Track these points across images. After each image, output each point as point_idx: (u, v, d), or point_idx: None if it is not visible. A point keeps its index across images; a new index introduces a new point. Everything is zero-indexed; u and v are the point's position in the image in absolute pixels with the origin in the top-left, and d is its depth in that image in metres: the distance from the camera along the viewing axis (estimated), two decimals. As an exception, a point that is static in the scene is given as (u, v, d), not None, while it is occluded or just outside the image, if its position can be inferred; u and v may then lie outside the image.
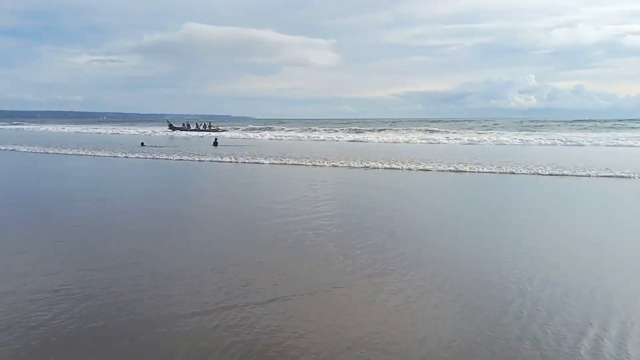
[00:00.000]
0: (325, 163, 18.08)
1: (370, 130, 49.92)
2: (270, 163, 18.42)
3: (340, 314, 4.49)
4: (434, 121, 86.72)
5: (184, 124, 57.19)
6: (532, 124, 59.82)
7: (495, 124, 61.06)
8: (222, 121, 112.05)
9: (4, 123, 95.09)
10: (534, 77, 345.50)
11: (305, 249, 6.58)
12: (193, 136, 45.20)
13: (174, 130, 54.94)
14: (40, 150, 24.40)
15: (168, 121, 62.49)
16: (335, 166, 17.38)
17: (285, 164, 18.16)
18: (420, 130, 47.81)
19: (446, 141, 34.18)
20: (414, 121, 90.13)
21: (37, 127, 71.83)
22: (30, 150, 24.75)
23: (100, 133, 53.90)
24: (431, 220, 8.77)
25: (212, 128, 54.16)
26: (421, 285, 5.18)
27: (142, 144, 28.84)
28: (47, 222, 8.36)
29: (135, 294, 4.90)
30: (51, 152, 23.87)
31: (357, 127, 55.01)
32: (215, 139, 31.44)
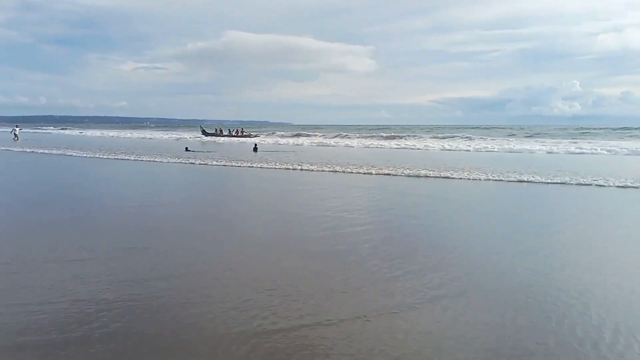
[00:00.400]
0: (369, 170, 17.53)
1: (411, 137, 48.80)
2: (311, 170, 18.00)
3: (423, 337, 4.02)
4: (474, 128, 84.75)
5: (216, 130, 57.18)
6: (578, 131, 57.37)
7: (537, 131, 59.00)
8: (260, 127, 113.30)
9: (52, 127, 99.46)
10: (578, 83, 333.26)
11: (359, 262, 6.15)
12: (228, 142, 45.25)
13: (206, 135, 54.95)
14: (90, 155, 24.80)
15: (201, 127, 62.59)
16: (379, 174, 16.75)
17: (327, 170, 17.69)
18: (463, 137, 46.33)
19: (492, 148, 32.93)
20: (453, 128, 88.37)
21: (84, 132, 74.36)
22: (80, 154, 25.21)
23: (143, 138, 55.26)
24: (492, 235, 8.09)
25: (243, 134, 54.25)
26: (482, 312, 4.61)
27: (187, 149, 29.05)
28: (107, 229, 8.17)
29: (208, 306, 4.63)
30: (102, 156, 24.23)
31: (398, 134, 53.92)
32: (255, 145, 31.42)
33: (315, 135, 54.44)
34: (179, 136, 57.42)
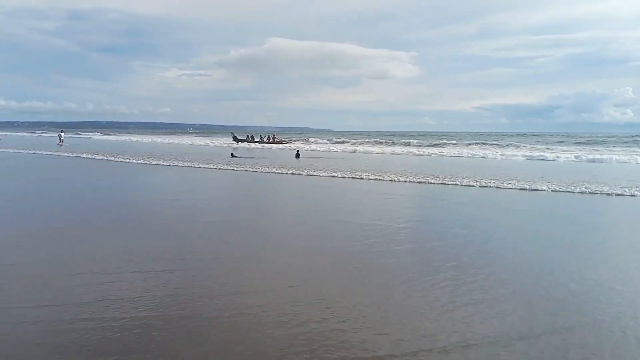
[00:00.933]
0: (412, 178, 16.68)
1: (455, 144, 47.01)
2: (361, 177, 17.24)
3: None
4: (520, 135, 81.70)
5: (247, 136, 56.23)
6: (632, 139, 53.82)
7: (588, 139, 55.85)
8: (300, 133, 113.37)
9: (98, 133, 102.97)
10: (631, 89, 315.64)
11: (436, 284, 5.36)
12: (266, 148, 44.84)
13: (237, 142, 53.52)
14: (139, 161, 24.84)
15: (232, 133, 61.60)
16: (430, 183, 15.80)
17: (371, 178, 16.89)
18: (509, 144, 44.28)
19: (550, 157, 31.06)
20: (499, 135, 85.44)
21: (129, 137, 75.99)
22: (129, 160, 25.33)
23: (191, 144, 55.74)
24: (586, 257, 7.06)
25: (275, 140, 53.23)
26: None
27: (232, 155, 28.97)
28: (166, 240, 7.74)
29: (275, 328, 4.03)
30: (151, 162, 24.27)
31: (445, 141, 51.90)
32: (298, 152, 31.11)
33: (357, 142, 53.51)
34: (218, 143, 57.42)
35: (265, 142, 52.36)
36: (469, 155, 34.36)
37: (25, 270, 5.82)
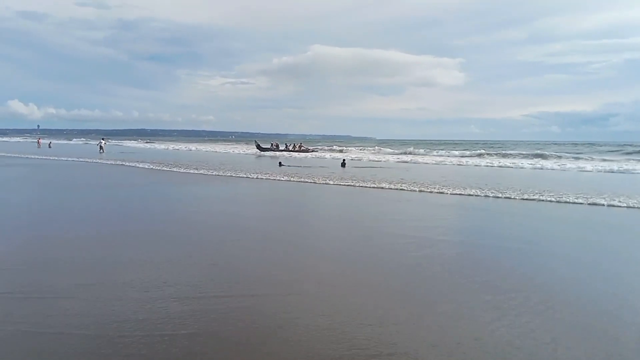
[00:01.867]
0: (466, 190, 15.62)
1: (512, 155, 44.45)
2: (412, 189, 16.23)
3: None
4: (573, 144, 77.83)
5: (272, 144, 54.37)
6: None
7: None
8: (341, 141, 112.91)
9: (141, 140, 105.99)
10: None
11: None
12: (309, 157, 44.12)
13: (262, 150, 51.96)
14: (187, 171, 24.74)
15: (256, 141, 60.07)
16: (487, 196, 14.61)
17: (425, 190, 15.90)
18: (580, 156, 41.21)
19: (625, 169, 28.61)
20: (551, 144, 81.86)
21: (172, 145, 76.48)
22: (178, 170, 25.32)
23: (231, 152, 56.15)
24: None
25: (302, 148, 52.10)
26: None
27: (280, 164, 28.60)
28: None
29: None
30: (195, 172, 24.13)
31: (498, 151, 49.25)
32: (344, 160, 30.33)
33: (403, 151, 51.99)
34: (236, 150, 56.67)
35: (291, 150, 51.23)
36: (526, 166, 32.29)
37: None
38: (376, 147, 61.96)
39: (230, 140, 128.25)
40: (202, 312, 4.82)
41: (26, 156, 34.92)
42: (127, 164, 28.15)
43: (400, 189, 16.48)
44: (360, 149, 57.87)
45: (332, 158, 40.49)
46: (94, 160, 31.37)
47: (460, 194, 15.19)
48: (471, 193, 15.31)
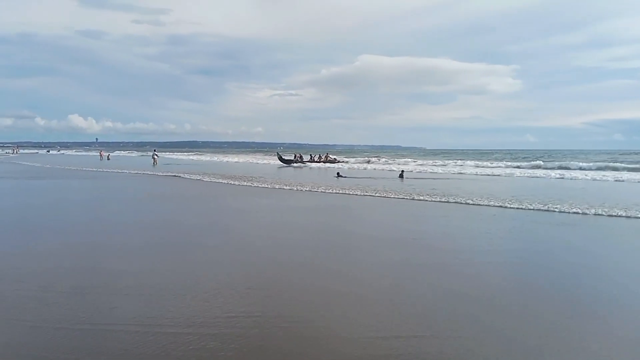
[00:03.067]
0: (536, 205, 14.56)
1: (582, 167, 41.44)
2: (467, 203, 15.51)
3: None
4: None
5: (295, 156, 50.68)
6: None
7: None
8: (390, 151, 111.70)
9: (193, 152, 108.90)
10: None
11: None
12: (360, 168, 43.21)
13: (284, 162, 48.95)
14: (248, 184, 24.95)
15: (277, 153, 58.09)
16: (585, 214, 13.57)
17: (491, 205, 15.05)
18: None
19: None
20: (615, 152, 77.26)
21: (224, 157, 76.92)
22: (239, 183, 25.59)
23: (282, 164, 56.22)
24: None
25: (328, 159, 50.63)
26: None
27: (338, 174, 28.39)
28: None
29: None
30: (248, 184, 24.28)
31: (568, 161, 44.33)
32: (402, 172, 29.62)
33: (457, 161, 50.34)
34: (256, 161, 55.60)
35: (316, 161, 49.53)
36: (599, 177, 30.22)
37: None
38: (430, 158, 60.60)
39: (279, 152, 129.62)
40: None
41: (94, 169, 36.59)
42: (187, 176, 28.82)
43: (484, 205, 15.43)
44: (413, 160, 56.53)
45: (384, 169, 39.80)
46: (153, 173, 32.35)
47: (547, 210, 14.18)
48: (558, 208, 14.25)
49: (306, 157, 50.86)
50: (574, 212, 13.58)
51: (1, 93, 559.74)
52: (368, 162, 53.14)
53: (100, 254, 8.04)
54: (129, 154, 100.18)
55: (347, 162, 51.92)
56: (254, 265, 7.38)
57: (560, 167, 36.78)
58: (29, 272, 6.80)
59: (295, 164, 47.10)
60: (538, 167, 39.31)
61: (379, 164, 49.55)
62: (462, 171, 36.71)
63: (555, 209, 14.17)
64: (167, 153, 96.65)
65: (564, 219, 12.79)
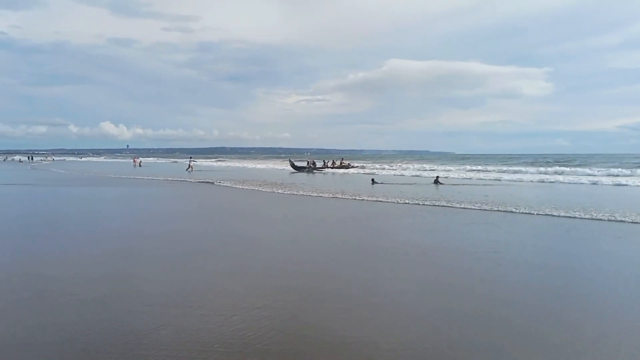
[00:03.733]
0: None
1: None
2: (515, 211, 15.02)
3: None
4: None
5: (308, 162, 49.69)
6: None
7: None
8: (419, 156, 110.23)
9: (217, 159, 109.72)
10: None
11: None
12: (382, 174, 42.50)
13: (296, 169, 47.49)
14: (269, 190, 24.95)
15: (290, 160, 56.53)
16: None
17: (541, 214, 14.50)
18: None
19: None
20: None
21: (252, 164, 76.14)
22: (258, 188, 25.58)
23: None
24: None
25: (342, 164, 49.92)
26: None
27: (373, 180, 28.15)
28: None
29: None
30: (285, 192, 24.21)
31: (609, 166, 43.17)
32: (437, 177, 29.13)
33: (488, 167, 49.15)
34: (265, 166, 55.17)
35: (331, 167, 48.65)
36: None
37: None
38: (459, 163, 59.63)
39: (305, 158, 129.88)
40: None
41: (130, 176, 37.10)
42: (224, 183, 29.04)
43: (550, 215, 14.57)
44: (443, 165, 55.67)
45: (415, 175, 39.24)
46: (187, 180, 32.73)
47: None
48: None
49: (319, 164, 50.01)
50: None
51: (36, 101, 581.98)
52: (396, 167, 52.79)
53: (140, 261, 8.13)
54: (157, 161, 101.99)
55: (364, 167, 51.72)
56: (301, 276, 7.32)
57: (609, 175, 35.33)
58: (87, 279, 6.92)
59: (306, 171, 46.17)
60: (581, 174, 37.94)
61: (410, 169, 49.02)
62: (498, 177, 35.54)
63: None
64: (198, 160, 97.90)
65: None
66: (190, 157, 55.65)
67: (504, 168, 46.44)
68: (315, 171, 45.75)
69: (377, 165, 56.46)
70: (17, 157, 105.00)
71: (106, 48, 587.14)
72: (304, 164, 49.34)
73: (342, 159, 52.94)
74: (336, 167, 49.00)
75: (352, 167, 50.64)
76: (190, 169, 46.16)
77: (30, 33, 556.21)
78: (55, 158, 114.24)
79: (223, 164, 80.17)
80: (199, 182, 30.55)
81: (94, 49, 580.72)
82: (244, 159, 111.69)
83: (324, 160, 52.51)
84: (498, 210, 15.54)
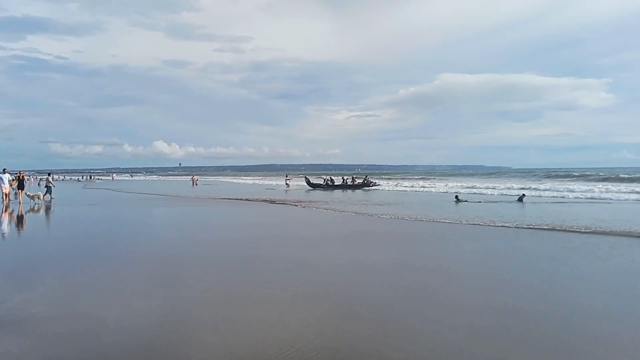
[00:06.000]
0: None
1: None
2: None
3: None
4: None
5: (325, 179, 48.41)
6: None
7: None
8: (474, 171, 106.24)
9: (263, 176, 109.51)
10: None
11: None
12: (469, 193, 40.28)
13: (312, 187, 46.35)
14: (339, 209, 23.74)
15: (305, 177, 55.22)
16: None
17: None
18: None
19: None
20: None
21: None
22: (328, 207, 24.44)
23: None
24: None
25: (364, 181, 46.57)
26: None
27: (457, 197, 26.54)
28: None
29: None
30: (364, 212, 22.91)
31: None
32: (523, 195, 26.95)
33: (567, 183, 45.90)
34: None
35: (350, 185, 45.93)
36: None
37: None
38: (529, 178, 56.46)
39: (357, 174, 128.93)
40: None
41: (198, 196, 37.02)
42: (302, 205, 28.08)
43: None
44: (510, 178, 52.79)
45: (493, 193, 36.71)
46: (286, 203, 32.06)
47: None
48: None
49: (338, 181, 48.27)
50: None
51: (94, 122, 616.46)
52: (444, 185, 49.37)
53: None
54: (215, 179, 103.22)
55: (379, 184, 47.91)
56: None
57: None
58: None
59: (322, 188, 44.70)
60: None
61: (497, 186, 45.39)
62: (579, 195, 31.78)
63: None
64: (249, 178, 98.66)
65: None
66: (287, 176, 55.84)
67: (589, 185, 41.44)
68: (332, 189, 44.35)
69: (427, 183, 53.23)
70: (78, 177, 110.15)
71: (162, 70, 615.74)
72: (320, 182, 48.23)
73: (366, 176, 50.12)
74: (358, 185, 45.90)
75: (376, 184, 47.00)
76: (287, 188, 46.51)
77: (91, 57, 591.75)
78: (116, 177, 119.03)
79: (276, 182, 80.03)
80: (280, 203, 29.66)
81: (150, 71, 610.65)
82: (296, 175, 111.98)
83: (343, 177, 50.44)
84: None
